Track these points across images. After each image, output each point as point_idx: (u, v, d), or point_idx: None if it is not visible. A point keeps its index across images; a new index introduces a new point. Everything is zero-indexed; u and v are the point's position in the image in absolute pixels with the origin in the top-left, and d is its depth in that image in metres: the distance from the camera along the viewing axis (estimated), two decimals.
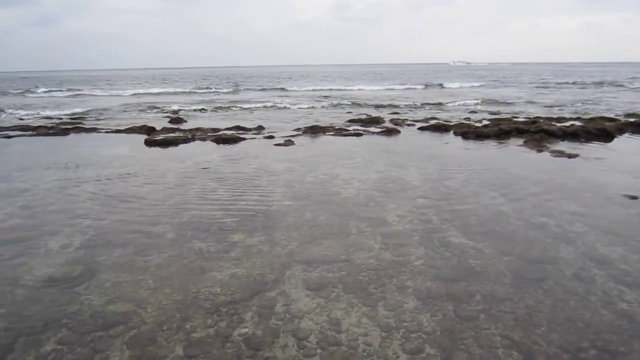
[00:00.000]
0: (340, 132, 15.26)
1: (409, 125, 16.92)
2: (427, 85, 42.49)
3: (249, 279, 4.81)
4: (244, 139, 14.12)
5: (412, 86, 43.49)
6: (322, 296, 4.46)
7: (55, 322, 4.07)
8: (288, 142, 13.22)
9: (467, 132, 14.25)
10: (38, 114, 23.72)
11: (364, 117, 18.99)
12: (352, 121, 18.16)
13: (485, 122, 16.69)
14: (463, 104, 25.77)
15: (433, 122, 16.93)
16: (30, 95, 41.13)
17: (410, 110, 22.48)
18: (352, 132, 15.19)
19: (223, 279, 4.81)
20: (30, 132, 16.36)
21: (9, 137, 15.63)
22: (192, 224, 6.47)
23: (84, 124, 18.39)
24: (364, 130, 15.52)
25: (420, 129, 15.85)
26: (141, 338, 3.83)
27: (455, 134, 14.57)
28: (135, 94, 39.13)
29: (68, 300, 4.45)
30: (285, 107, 25.32)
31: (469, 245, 5.60)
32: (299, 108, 24.61)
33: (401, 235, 5.95)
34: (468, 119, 18.37)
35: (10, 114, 23.80)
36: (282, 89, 42.96)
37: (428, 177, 8.96)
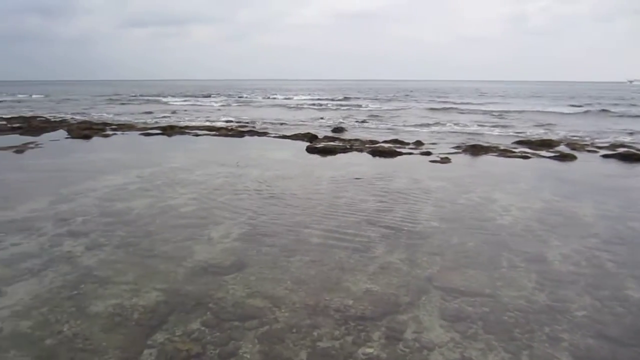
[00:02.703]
0: (504, 153, 14.11)
1: (589, 151, 14.84)
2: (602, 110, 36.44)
3: (383, 297, 4.67)
4: (400, 153, 14.00)
5: (591, 107, 38.06)
6: (458, 330, 4.09)
7: (203, 305, 4.48)
8: (445, 160, 12.70)
9: None
10: (223, 116, 27.06)
11: (534, 138, 17.28)
12: (520, 142, 16.66)
13: None
14: None
15: (622, 150, 14.54)
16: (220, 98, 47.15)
17: (587, 135, 19.69)
18: (519, 154, 13.92)
19: (357, 293, 4.76)
20: (214, 133, 18.72)
21: (197, 135, 18.12)
22: (337, 232, 6.58)
23: (257, 129, 20.34)
24: (532, 153, 14.09)
25: (605, 156, 13.75)
26: (271, 335, 3.98)
27: None
28: (309, 104, 42.02)
29: (217, 287, 4.88)
30: (448, 124, 24.46)
31: None
32: (463, 125, 23.52)
33: (562, 278, 5.17)
34: None
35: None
36: (450, 107, 41.61)
37: (606, 213, 7.68)
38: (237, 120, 25.10)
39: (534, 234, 6.60)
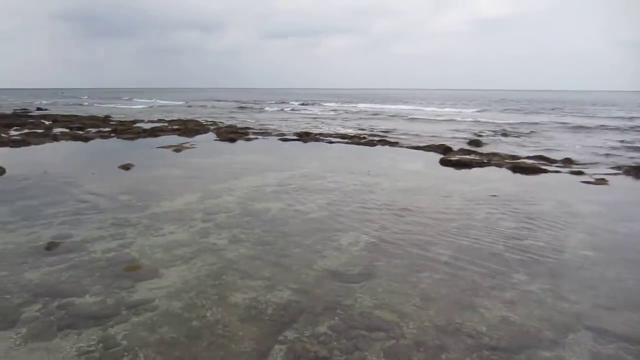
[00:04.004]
0: None
1: None
2: None
3: (521, 329, 4.26)
4: (545, 170, 12.79)
5: None
6: None
7: (331, 310, 4.56)
8: (601, 181, 11.26)
9: None
10: (359, 125, 27.57)
11: None
12: None
13: None
14: None
15: None
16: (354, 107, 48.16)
17: None
18: None
19: (491, 320, 4.42)
20: (346, 141, 19.15)
21: (331, 142, 18.70)
22: (470, 252, 6.22)
23: (389, 138, 20.29)
24: None
25: None
26: (398, 351, 3.88)
27: None
28: (443, 114, 40.84)
29: (345, 293, 4.93)
30: (603, 140, 21.68)
31: None
32: (623, 142, 20.64)
33: None
34: None
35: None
36: (604, 123, 36.97)
37: None
38: (369, 129, 25.37)
39: None
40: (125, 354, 3.76)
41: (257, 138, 20.16)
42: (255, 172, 11.68)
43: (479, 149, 17.27)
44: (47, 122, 26.33)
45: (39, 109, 43.37)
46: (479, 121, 32.81)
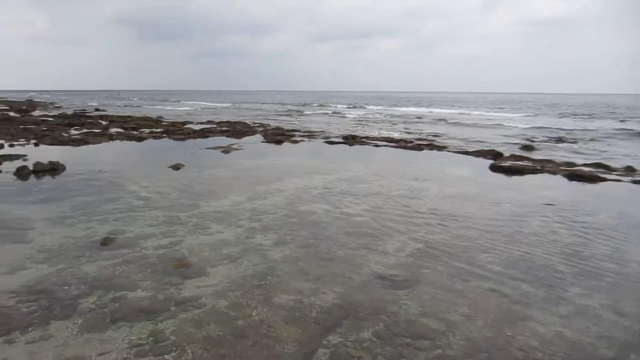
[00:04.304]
0: None
1: None
2: None
3: (577, 346, 4.04)
4: (604, 179, 12.12)
5: None
6: None
7: (376, 315, 4.50)
8: None
9: None
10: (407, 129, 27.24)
11: None
12: None
13: None
14: None
15: None
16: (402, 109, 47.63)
17: None
18: None
19: (545, 334, 4.21)
20: (392, 144, 18.95)
21: (377, 146, 18.56)
22: (521, 262, 5.97)
23: (436, 142, 19.89)
24: None
25: None
26: None
27: None
28: (494, 118, 39.66)
29: (390, 300, 4.85)
30: None
31: None
32: None
33: None
34: None
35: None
36: None
37: None
38: (416, 132, 25.00)
39: None
40: (174, 349, 3.86)
41: (303, 140, 20.30)
42: (301, 174, 11.76)
43: (531, 155, 16.60)
44: (104, 122, 27.65)
45: (96, 109, 45.61)
46: (530, 126, 31.60)
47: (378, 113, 47.34)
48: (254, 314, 4.44)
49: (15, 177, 10.73)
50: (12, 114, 34.06)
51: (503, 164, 13.68)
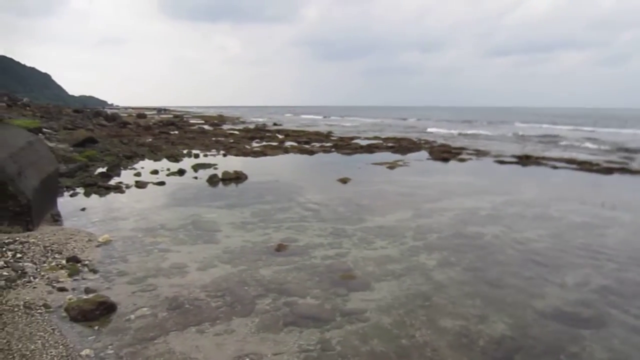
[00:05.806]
0: None
1: None
2: None
3: None
4: None
5: None
6: None
7: (553, 355, 4.09)
8: None
9: None
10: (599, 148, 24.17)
11: None
12: None
13: None
14: None
15: None
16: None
17: None
18: None
19: None
20: (574, 166, 16.91)
21: (555, 167, 16.78)
22: None
23: (631, 167, 17.13)
24: None
25: None
26: None
27: None
28: None
29: (570, 339, 4.36)
30: None
31: None
32: None
33: None
34: None
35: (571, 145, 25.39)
36: None
37: None
38: (603, 153, 21.90)
39: None
40: (339, 359, 4.02)
41: (470, 159, 19.43)
42: (468, 194, 11.29)
43: None
44: (280, 136, 30.45)
45: (274, 124, 50.39)
46: None
47: (558, 132, 42.54)
48: (417, 335, 4.41)
49: (207, 184, 12.46)
50: (206, 127, 39.64)
51: None
